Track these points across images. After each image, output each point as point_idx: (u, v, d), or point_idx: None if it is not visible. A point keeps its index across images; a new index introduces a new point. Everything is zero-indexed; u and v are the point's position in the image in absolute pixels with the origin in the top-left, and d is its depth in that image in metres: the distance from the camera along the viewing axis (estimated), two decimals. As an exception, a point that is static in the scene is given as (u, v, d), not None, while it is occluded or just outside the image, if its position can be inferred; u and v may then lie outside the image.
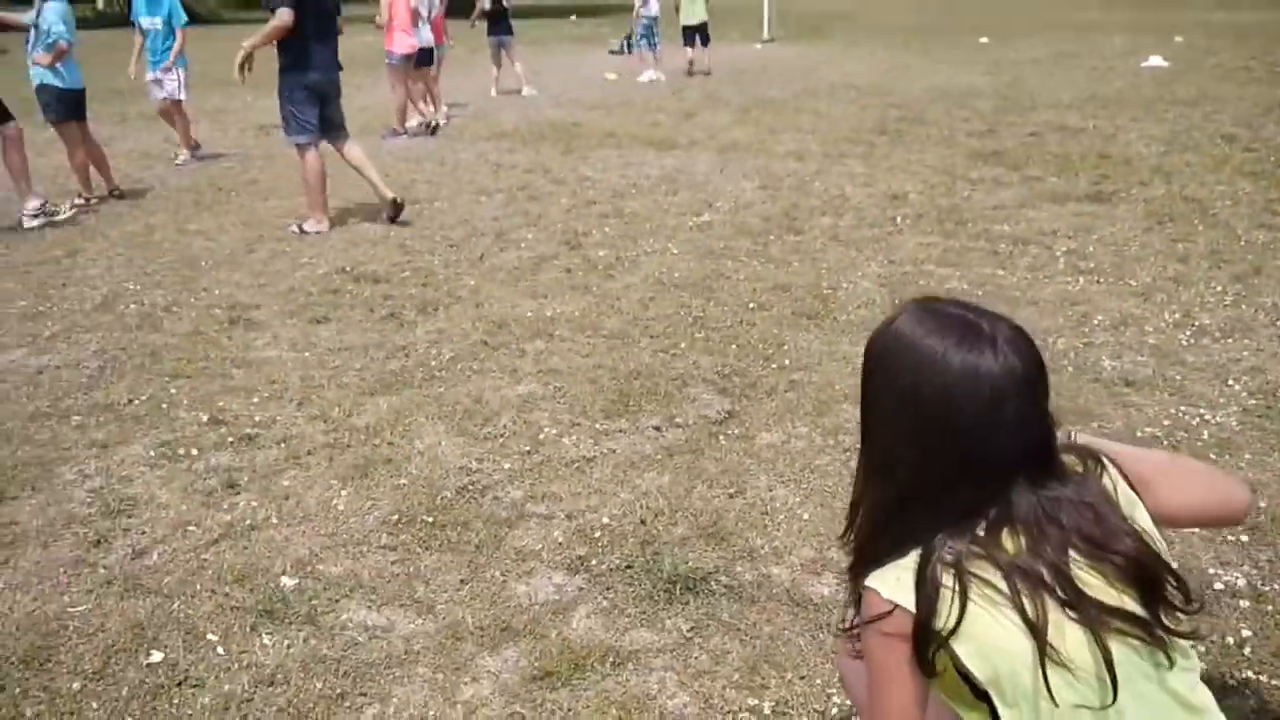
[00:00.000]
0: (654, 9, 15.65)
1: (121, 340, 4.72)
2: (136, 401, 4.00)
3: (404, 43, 10.57)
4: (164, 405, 3.96)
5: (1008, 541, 1.27)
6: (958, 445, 1.28)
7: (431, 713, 2.28)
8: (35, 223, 7.03)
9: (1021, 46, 18.30)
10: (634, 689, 2.32)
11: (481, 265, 5.81)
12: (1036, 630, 1.22)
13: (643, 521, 2.99)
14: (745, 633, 2.49)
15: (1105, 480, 1.37)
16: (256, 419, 3.80)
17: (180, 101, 9.43)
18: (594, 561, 2.81)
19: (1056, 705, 1.23)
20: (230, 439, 3.64)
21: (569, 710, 2.26)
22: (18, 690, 2.40)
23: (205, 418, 3.81)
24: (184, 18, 9.28)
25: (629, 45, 18.15)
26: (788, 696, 2.27)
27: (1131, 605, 1.26)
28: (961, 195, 7.08)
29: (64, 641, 2.56)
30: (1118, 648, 1.24)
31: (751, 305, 4.88)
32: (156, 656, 2.49)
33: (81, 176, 8.03)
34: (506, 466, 3.36)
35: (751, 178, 7.90)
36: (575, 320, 4.77)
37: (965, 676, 1.27)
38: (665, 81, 14.86)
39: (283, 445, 3.58)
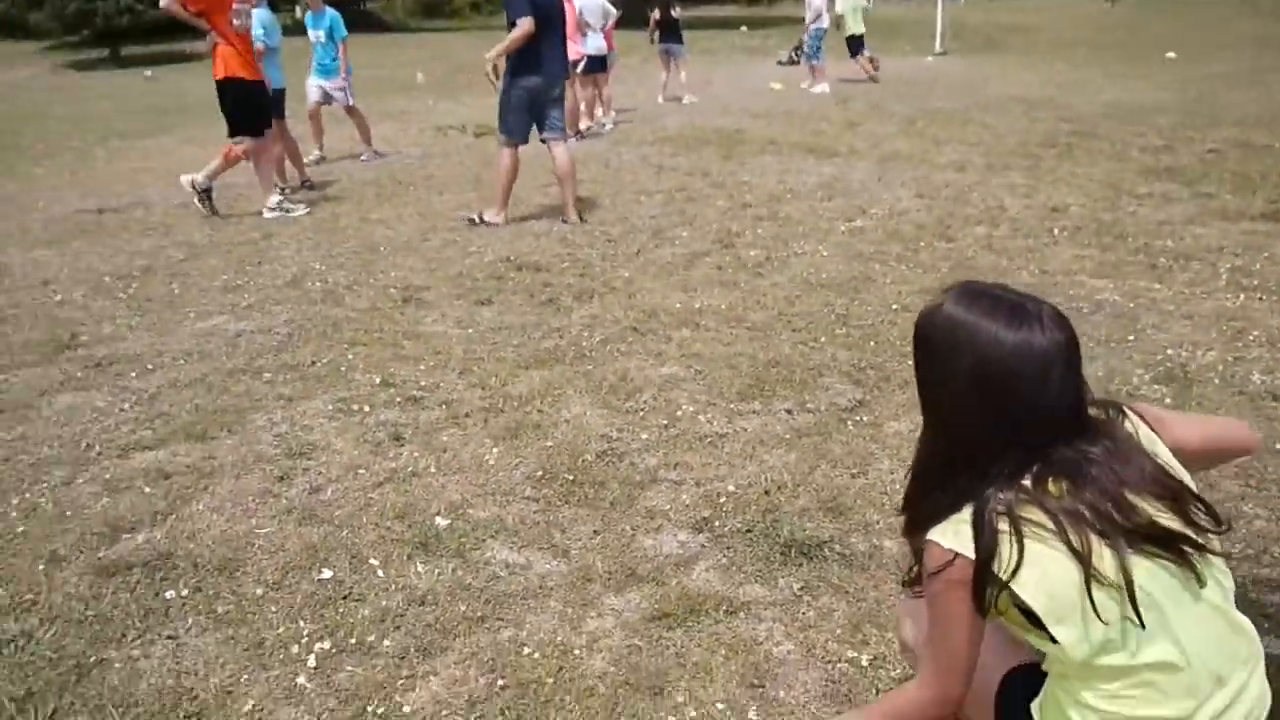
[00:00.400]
0: (825, 22, 15.73)
1: (308, 312, 5.21)
2: (319, 364, 4.44)
3: (570, 50, 11.02)
4: (342, 368, 4.38)
5: (1051, 488, 1.45)
6: (1011, 411, 1.47)
7: (559, 639, 2.53)
8: (272, 215, 7.58)
9: (1211, 62, 17.49)
10: (743, 634, 2.52)
11: (637, 259, 6.08)
12: (1081, 557, 1.40)
13: (766, 492, 3.18)
14: (852, 595, 2.65)
15: (1127, 425, 1.55)
16: (422, 384, 4.17)
17: (352, 106, 10.02)
18: (717, 523, 3.02)
19: (1105, 622, 1.39)
20: (398, 399, 4.02)
21: (681, 647, 2.48)
22: (211, 592, 2.78)
23: (377, 380, 4.21)
24: (344, 32, 9.82)
25: (797, 56, 18.23)
26: (886, 653, 2.42)
27: (1163, 527, 1.42)
28: (1126, 210, 6.94)
29: (250, 556, 2.94)
30: (1152, 568, 1.41)
31: (895, 306, 4.98)
32: (326, 574, 2.84)
33: (278, 169, 8.76)
34: (644, 437, 3.61)
35: (909, 186, 7.93)
36: (721, 312, 4.98)
37: (1022, 608, 1.44)
38: (831, 93, 14.91)
39: (444, 407, 3.93)
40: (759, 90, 15.83)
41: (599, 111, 12.08)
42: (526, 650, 2.49)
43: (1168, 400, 3.78)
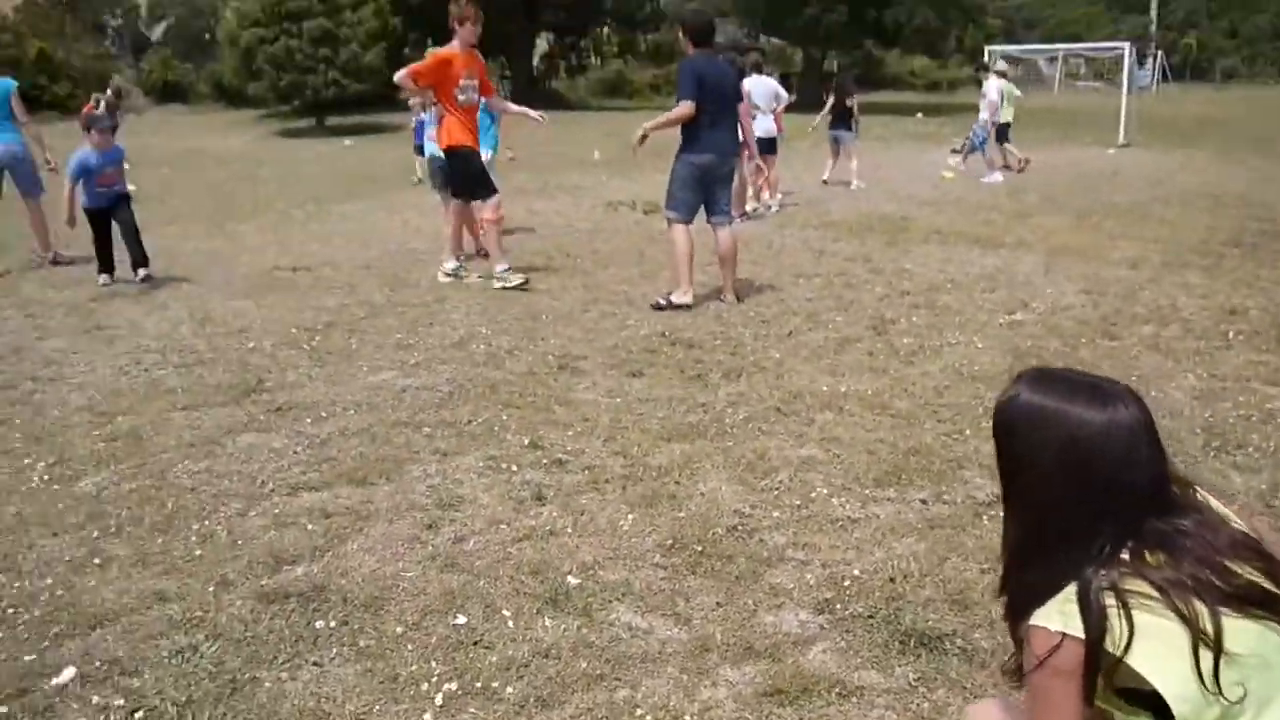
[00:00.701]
0: (999, 116, 15.58)
1: (470, 373, 5.50)
2: (474, 423, 4.69)
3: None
4: (495, 428, 4.62)
5: (1150, 560, 1.47)
6: (1101, 488, 1.51)
7: (672, 703, 2.61)
8: (446, 280, 8.03)
9: None
10: (853, 719, 2.54)
11: (788, 341, 6.17)
12: (1192, 624, 1.42)
13: (891, 579, 3.19)
14: (971, 691, 2.63)
15: (1199, 496, 1.59)
16: (568, 448, 4.36)
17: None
18: (839, 606, 3.05)
19: (1221, 689, 1.41)
20: (544, 461, 4.21)
21: (791, 724, 2.52)
22: (357, 626, 2.99)
23: (526, 441, 4.43)
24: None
25: (971, 146, 18.07)
26: (999, 751, 2.39)
27: (1264, 588, 1.46)
28: (1314, 316, 6.60)
29: (394, 596, 3.15)
30: (1262, 630, 1.44)
31: (1046, 402, 4.88)
32: (461, 620, 3.01)
33: (455, 240, 9.28)
34: (775, 515, 3.67)
35: (1075, 281, 7.75)
36: (867, 398, 5.00)
37: (1124, 691, 1.46)
38: (1005, 182, 14.70)
39: (586, 471, 4.09)
40: (929, 178, 15.75)
41: (765, 194, 12.28)
42: (639, 712, 2.58)
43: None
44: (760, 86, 12.01)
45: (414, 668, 2.79)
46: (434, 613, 3.05)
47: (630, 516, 3.67)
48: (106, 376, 5.55)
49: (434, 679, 2.73)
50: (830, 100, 14.59)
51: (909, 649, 2.81)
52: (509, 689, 2.69)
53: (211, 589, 3.21)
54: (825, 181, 14.53)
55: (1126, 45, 23.10)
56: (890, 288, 7.66)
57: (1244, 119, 27.96)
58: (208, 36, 50.04)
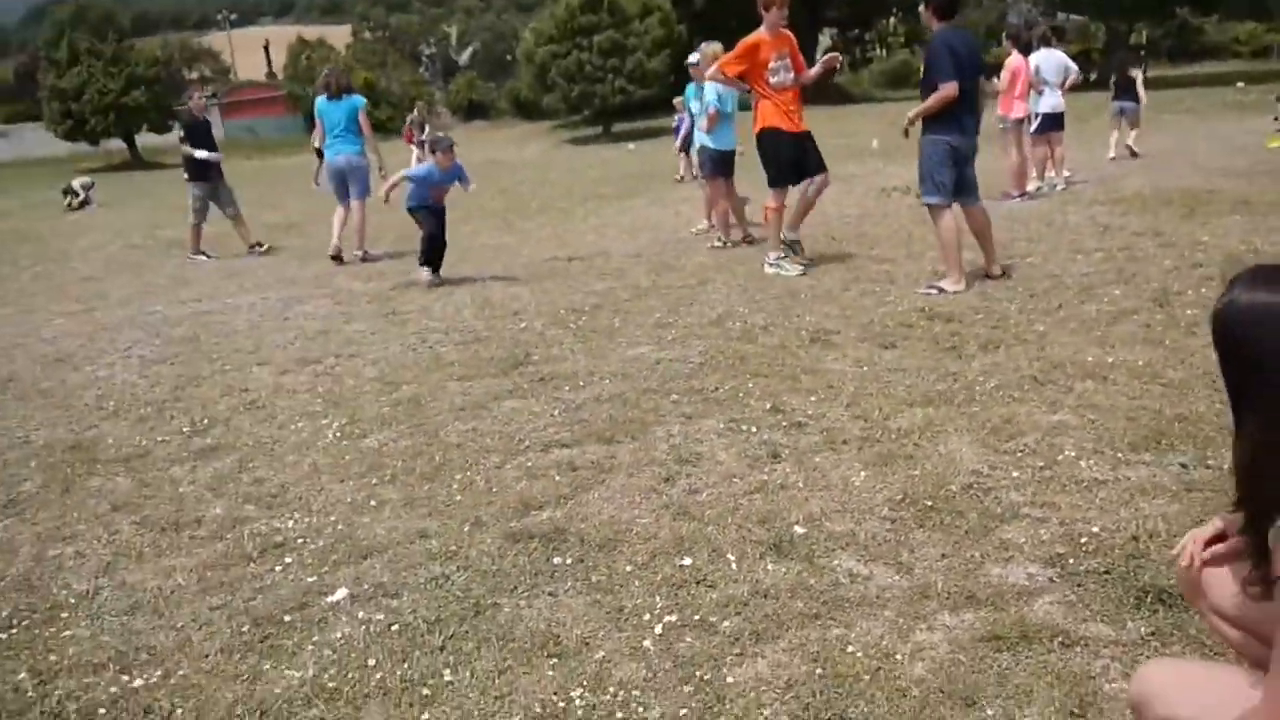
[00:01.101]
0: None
1: (723, 347, 5.64)
2: (721, 390, 4.83)
3: (1019, 108, 10.83)
4: (740, 394, 4.72)
5: None
6: None
7: (885, 643, 2.61)
8: (771, 269, 7.77)
9: None
10: (1075, 667, 2.43)
11: (1056, 314, 5.86)
12: None
13: (1135, 538, 3.00)
14: (1209, 648, 2.44)
15: None
16: (810, 412, 4.39)
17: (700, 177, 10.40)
18: (1072, 561, 2.91)
19: None
20: (784, 423, 4.27)
21: (1006, 668, 2.45)
22: (591, 564, 3.19)
23: (769, 406, 4.50)
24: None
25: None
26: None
27: None
28: None
29: (628, 540, 3.33)
30: None
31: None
32: (687, 561, 3.14)
33: (721, 223, 9.50)
34: (1015, 475, 3.54)
35: None
36: (1136, 368, 4.68)
37: None
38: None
39: (824, 433, 4.12)
40: (1247, 147, 14.30)
41: (1050, 171, 11.64)
42: (851, 649, 2.60)
43: None
44: (1049, 60, 11.40)
45: (639, 600, 2.94)
46: (662, 554, 3.20)
47: (863, 474, 3.67)
48: (396, 352, 6.15)
49: (656, 611, 2.87)
50: (1113, 76, 13.71)
51: (1145, 605, 2.65)
52: (725, 623, 2.78)
53: (466, 529, 3.52)
54: (1113, 158, 13.59)
55: None
56: (1181, 260, 7.07)
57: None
58: (509, 57, 53.58)
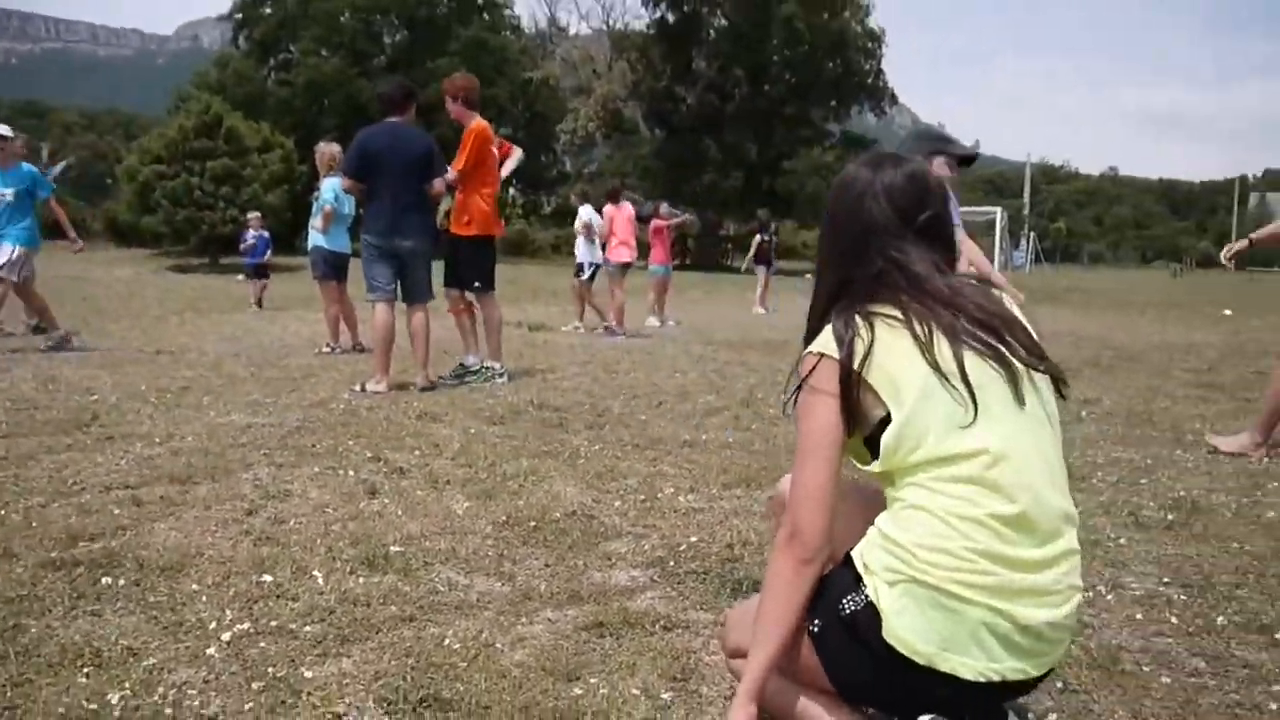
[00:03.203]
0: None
1: (324, 416, 5.28)
2: (319, 446, 4.49)
3: (622, 253, 11.57)
4: (339, 450, 4.43)
5: (901, 298, 1.62)
6: (860, 234, 1.69)
7: (484, 636, 2.42)
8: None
9: (1268, 314, 17.56)
10: (677, 645, 2.38)
11: (657, 409, 6.10)
12: (923, 344, 1.53)
13: (729, 545, 3.08)
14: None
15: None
16: (413, 462, 4.19)
17: None
18: (672, 564, 2.92)
19: (940, 403, 1.54)
20: (384, 469, 4.04)
21: (609, 650, 2.35)
22: (147, 585, 2.73)
23: (369, 455, 4.26)
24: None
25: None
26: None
27: (989, 325, 1.52)
28: (1159, 405, 6.84)
29: (196, 564, 2.90)
30: (980, 363, 1.56)
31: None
32: (267, 578, 2.78)
33: (333, 329, 9.10)
34: (618, 504, 3.55)
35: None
36: (727, 443, 4.94)
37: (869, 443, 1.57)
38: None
39: (427, 477, 3.92)
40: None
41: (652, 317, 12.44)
42: (448, 643, 2.39)
43: (1170, 517, 3.62)
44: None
45: (204, 614, 2.54)
46: (239, 574, 2.81)
47: (465, 504, 3.51)
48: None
49: (225, 622, 2.49)
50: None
51: (741, 594, 2.69)
52: (307, 628, 2.46)
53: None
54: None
55: (998, 211, 24.64)
56: (763, 379, 7.72)
57: (1108, 290, 29.78)
58: (108, 180, 49.79)
